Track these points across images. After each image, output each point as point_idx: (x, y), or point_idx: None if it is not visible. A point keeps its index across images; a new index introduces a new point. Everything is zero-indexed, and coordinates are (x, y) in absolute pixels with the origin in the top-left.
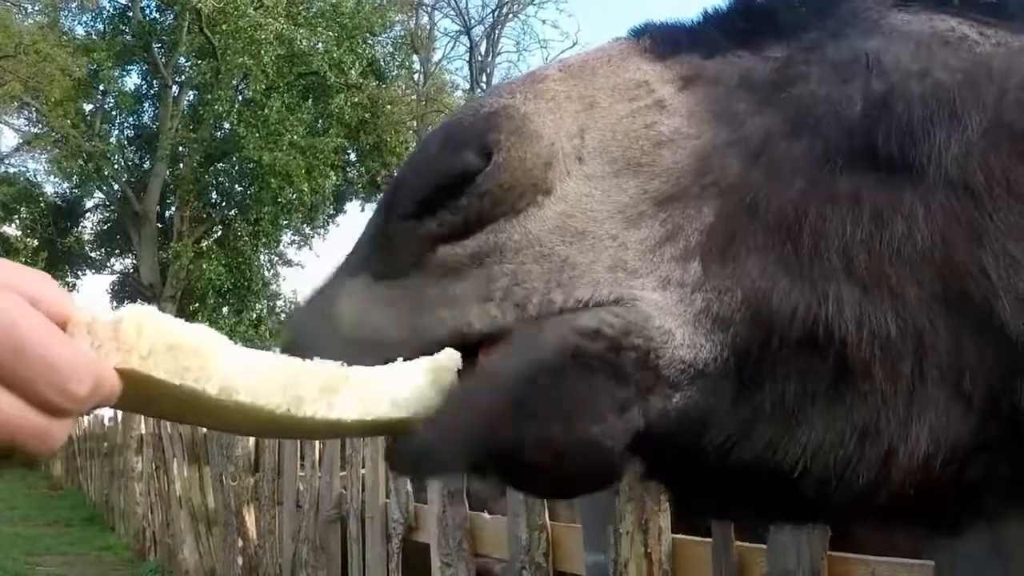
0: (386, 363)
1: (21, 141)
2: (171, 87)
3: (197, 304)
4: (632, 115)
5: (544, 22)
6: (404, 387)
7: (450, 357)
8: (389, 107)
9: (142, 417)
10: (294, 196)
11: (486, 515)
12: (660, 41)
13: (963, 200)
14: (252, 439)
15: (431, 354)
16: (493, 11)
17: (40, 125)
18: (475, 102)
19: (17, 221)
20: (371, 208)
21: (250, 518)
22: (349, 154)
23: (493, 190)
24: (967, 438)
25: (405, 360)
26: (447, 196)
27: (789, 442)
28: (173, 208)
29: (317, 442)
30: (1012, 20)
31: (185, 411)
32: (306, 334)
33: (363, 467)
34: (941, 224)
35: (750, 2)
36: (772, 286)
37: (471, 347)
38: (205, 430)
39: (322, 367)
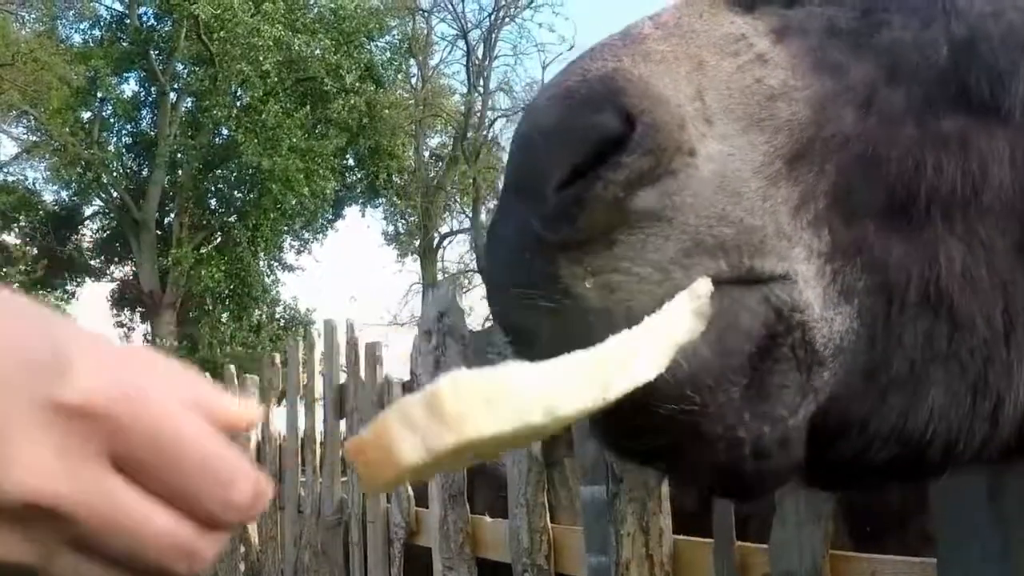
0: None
1: (20, 150)
2: (169, 94)
3: (197, 310)
4: (740, 71)
5: (540, 26)
6: (677, 328)
7: (704, 285)
8: (387, 111)
9: None
10: (295, 201)
11: (487, 518)
12: None
13: None
14: (253, 443)
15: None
16: (490, 15)
17: (39, 133)
18: (576, 67)
19: (16, 229)
20: (371, 212)
21: (251, 524)
22: (348, 158)
23: (654, 149)
24: None
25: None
26: (597, 161)
27: (918, 408)
28: (172, 215)
29: (318, 447)
30: None
31: (497, 448)
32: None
33: None
34: (1022, 170)
35: None
36: (889, 251)
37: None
38: None
39: (603, 345)
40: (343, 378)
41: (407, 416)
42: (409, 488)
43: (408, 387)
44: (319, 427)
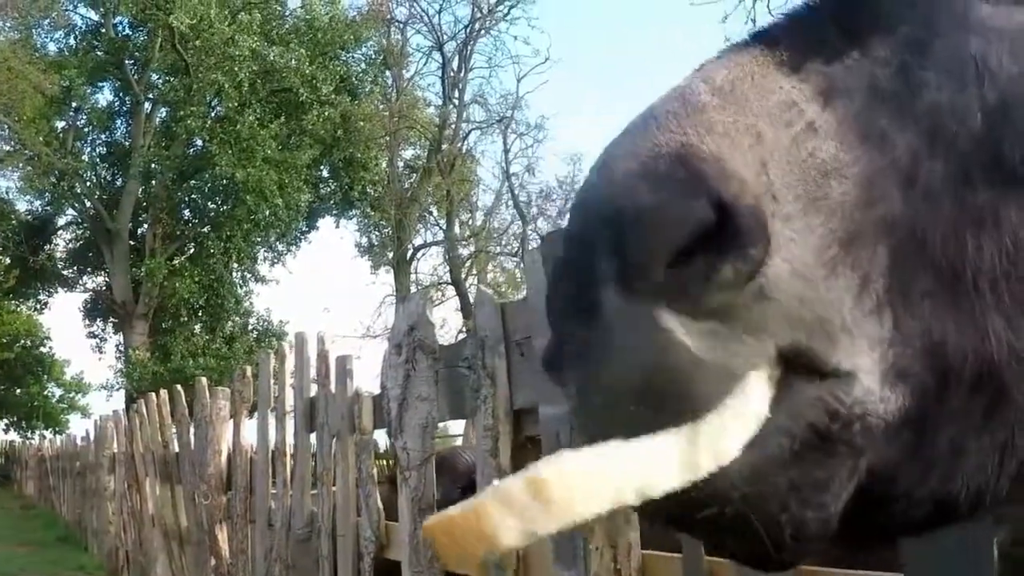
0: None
1: None
2: (143, 104)
3: (170, 321)
4: (795, 143)
5: (516, 38)
6: (752, 413)
7: (775, 371)
8: (362, 123)
9: (114, 435)
10: (268, 212)
11: None
12: (790, 49)
13: None
14: (224, 455)
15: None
16: (465, 27)
17: (12, 143)
18: (646, 139)
19: None
20: (344, 224)
21: (222, 536)
22: (322, 170)
23: (753, 241)
24: None
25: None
26: (698, 247)
27: (955, 475)
28: (146, 225)
29: (288, 459)
30: None
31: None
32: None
33: (334, 485)
34: None
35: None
36: (944, 331)
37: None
38: (178, 448)
39: (694, 427)
40: (314, 390)
41: (508, 499)
42: (379, 501)
43: (378, 401)
44: (290, 440)
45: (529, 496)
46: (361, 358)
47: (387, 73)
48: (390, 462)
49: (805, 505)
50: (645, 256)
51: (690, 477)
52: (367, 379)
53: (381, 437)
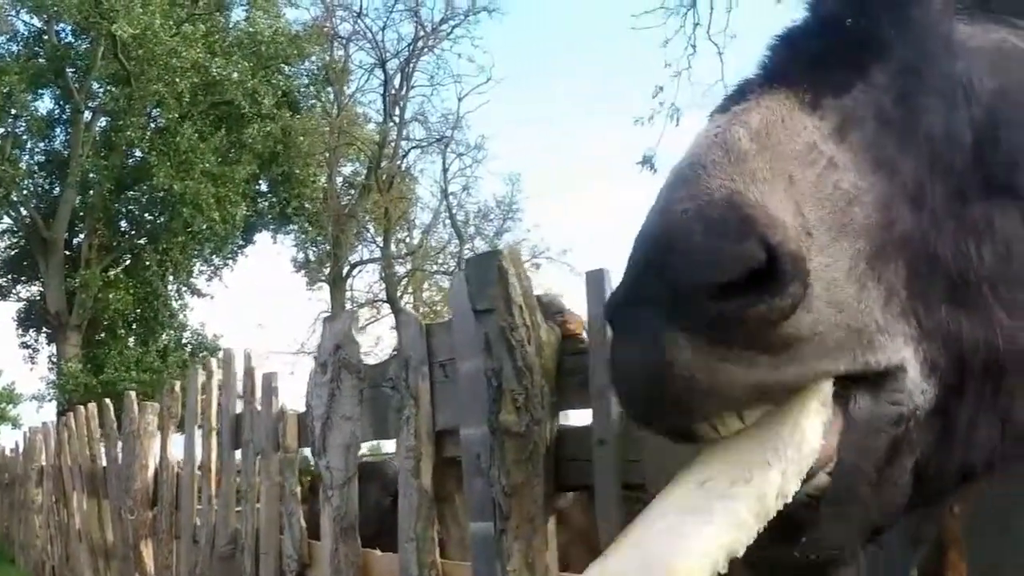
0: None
1: None
2: (84, 113)
3: (104, 333)
4: (820, 180)
5: (460, 56)
6: (810, 442)
7: (826, 391)
8: (302, 138)
9: (43, 448)
10: (205, 226)
11: (378, 552)
12: (810, 88)
13: None
14: (151, 470)
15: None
16: (408, 45)
17: None
18: (698, 189)
19: None
20: (282, 239)
21: (148, 553)
22: (260, 184)
23: (797, 278)
24: None
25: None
26: (749, 284)
27: (972, 447)
28: (82, 236)
29: (214, 475)
30: None
31: None
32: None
33: (258, 502)
34: None
35: (831, 21)
36: (959, 328)
37: None
38: (105, 462)
39: (758, 481)
40: (240, 407)
41: None
42: (302, 520)
43: (303, 419)
44: (215, 456)
45: None
46: (295, 374)
47: (329, 89)
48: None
49: (886, 505)
50: (703, 291)
51: (763, 523)
52: (300, 396)
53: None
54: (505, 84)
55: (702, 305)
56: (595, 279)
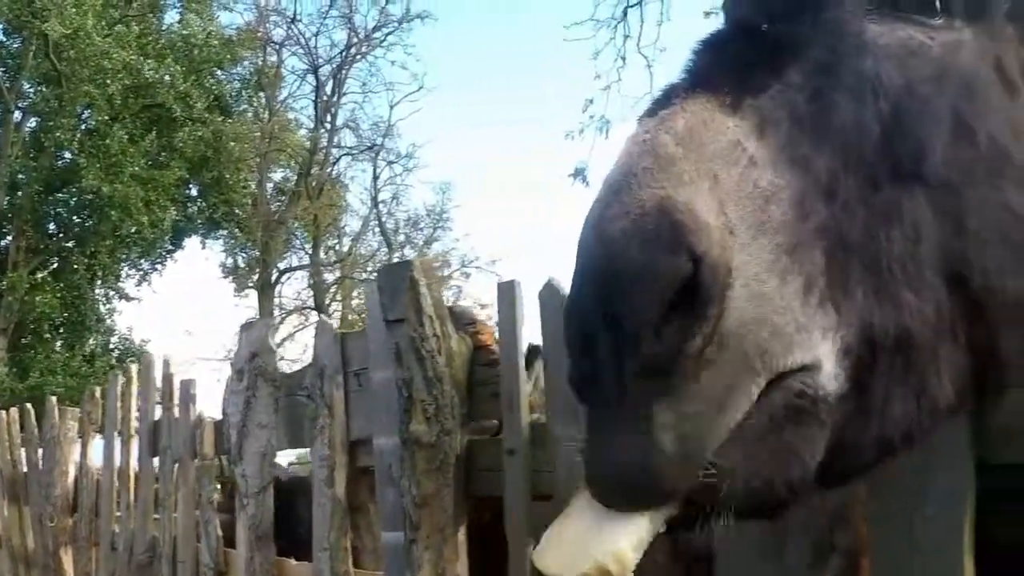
0: None
1: None
2: (13, 112)
3: (30, 337)
4: (742, 178)
5: (393, 63)
6: None
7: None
8: (232, 143)
9: None
10: (134, 229)
11: (292, 561)
12: (730, 90)
13: (948, 195)
14: (71, 477)
15: None
16: (341, 52)
17: None
18: (630, 197)
19: None
20: (211, 244)
21: (68, 560)
22: (190, 189)
23: (717, 287)
24: (966, 379)
25: None
26: (680, 297)
27: (888, 422)
28: (9, 238)
29: (132, 482)
30: (942, 16)
31: None
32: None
33: (175, 510)
34: (940, 221)
35: (750, 27)
36: (872, 310)
37: None
38: (26, 467)
39: None
40: (159, 414)
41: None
42: (218, 528)
43: (220, 427)
44: (134, 463)
45: None
46: (221, 381)
47: (261, 94)
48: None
49: (793, 483)
50: (641, 312)
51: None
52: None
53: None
54: (438, 93)
55: (645, 339)
56: (506, 291)
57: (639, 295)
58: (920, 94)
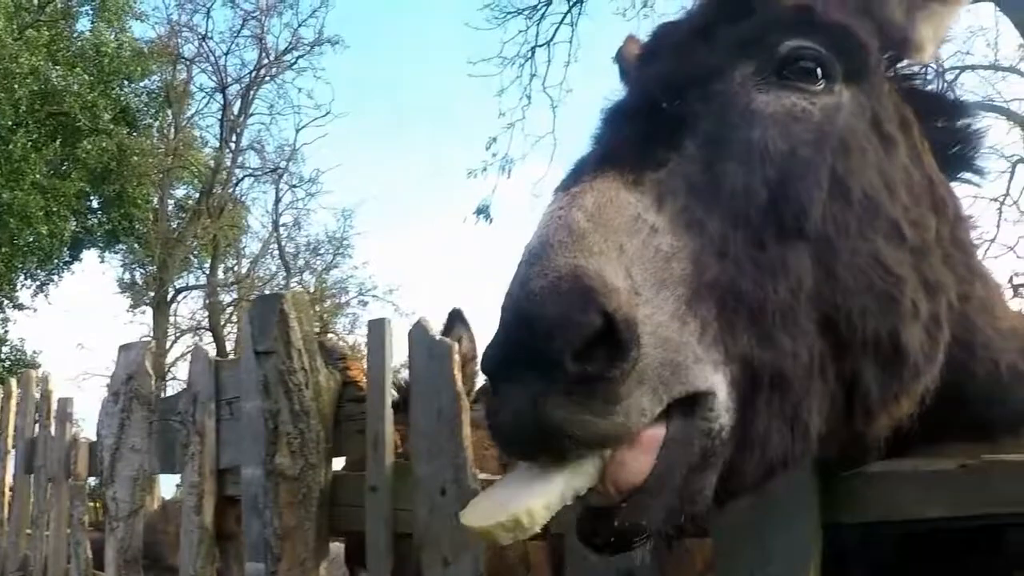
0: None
1: None
2: None
3: None
4: (645, 245)
5: (300, 90)
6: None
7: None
8: (136, 157)
9: None
10: (32, 238)
11: None
12: (633, 168)
13: (824, 248)
14: None
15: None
16: (250, 72)
17: None
18: (548, 265)
19: None
20: (110, 257)
21: None
22: (91, 200)
23: (630, 340)
24: (835, 410)
25: None
26: (592, 347)
27: (769, 448)
28: None
29: (7, 500)
30: (823, 81)
31: None
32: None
33: (47, 529)
34: (815, 271)
35: (652, 102)
36: (754, 352)
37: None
38: None
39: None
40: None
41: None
42: (88, 549)
43: (94, 447)
44: (9, 480)
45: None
46: None
47: (168, 109)
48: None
49: (690, 505)
50: (553, 355)
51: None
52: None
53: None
54: (344, 120)
55: (560, 372)
56: (376, 328)
57: (558, 339)
58: (802, 158)
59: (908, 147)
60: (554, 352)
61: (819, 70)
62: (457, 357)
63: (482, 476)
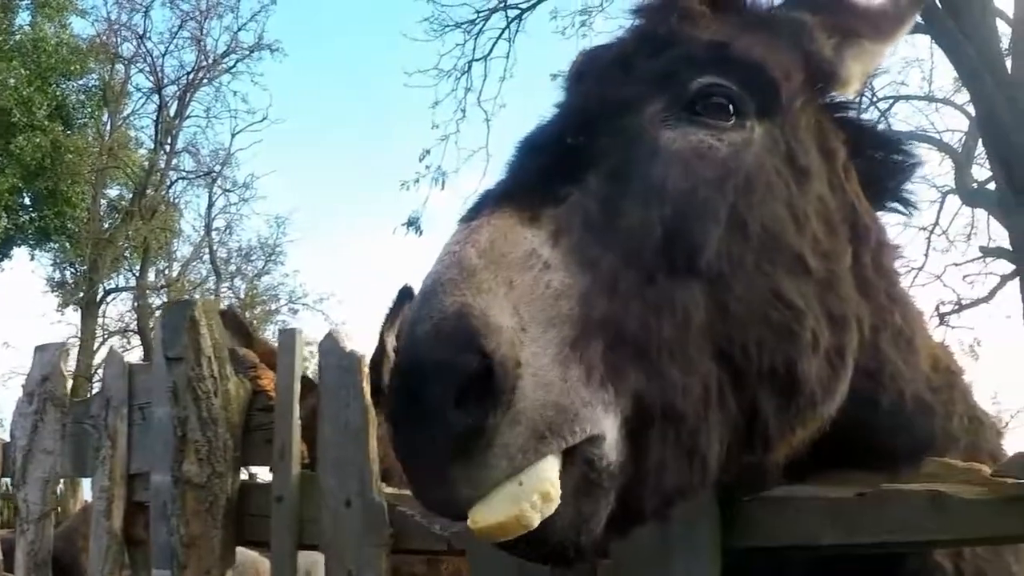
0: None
1: None
2: None
3: None
4: (535, 281)
5: (235, 93)
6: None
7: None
8: (71, 155)
9: None
10: None
11: None
12: (531, 204)
13: (718, 283)
14: None
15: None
16: (188, 73)
17: None
18: (435, 305)
19: None
20: (40, 255)
21: None
22: (23, 197)
23: (506, 378)
24: (735, 436)
25: None
26: (473, 384)
27: (663, 481)
28: None
29: None
30: (734, 118)
31: None
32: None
33: None
34: (708, 305)
35: (561, 135)
36: (645, 388)
37: None
38: None
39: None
40: None
41: None
42: (0, 554)
43: (7, 450)
44: None
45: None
46: None
47: (104, 108)
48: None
49: (586, 533)
50: (434, 403)
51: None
52: None
53: None
54: (281, 126)
55: (441, 423)
56: (286, 339)
57: (437, 384)
58: (701, 196)
59: (828, 178)
60: (434, 400)
61: (731, 106)
62: (366, 370)
63: (388, 490)
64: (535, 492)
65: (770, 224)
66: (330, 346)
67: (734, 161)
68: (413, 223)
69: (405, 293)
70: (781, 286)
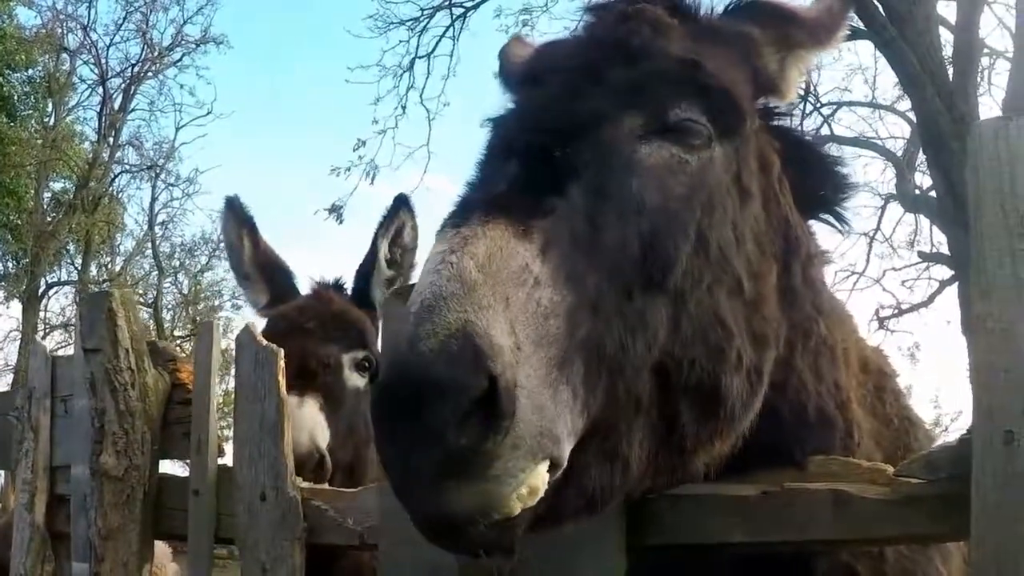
0: None
1: None
2: None
3: None
4: (528, 298)
5: (182, 87)
6: None
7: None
8: (14, 147)
9: None
10: None
11: None
12: (521, 216)
13: (678, 301)
14: None
15: None
16: (133, 65)
17: None
18: (438, 321)
19: None
20: None
21: None
22: None
23: (509, 401)
24: (657, 444)
25: None
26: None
27: (583, 487)
28: None
29: None
30: (702, 139)
31: None
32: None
33: None
34: (667, 323)
35: (541, 144)
36: (613, 409)
37: None
38: None
39: None
40: None
41: None
42: None
43: None
44: None
45: None
46: None
47: (48, 100)
48: None
49: (511, 530)
50: (436, 421)
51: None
52: None
53: None
54: (226, 121)
55: (440, 441)
56: (205, 332)
57: (442, 404)
58: (672, 211)
59: (764, 191)
60: (437, 420)
61: (703, 129)
62: (282, 363)
63: (304, 485)
64: (524, 486)
65: (723, 244)
66: (247, 339)
67: (700, 178)
68: (335, 210)
69: (402, 200)
70: (721, 307)
